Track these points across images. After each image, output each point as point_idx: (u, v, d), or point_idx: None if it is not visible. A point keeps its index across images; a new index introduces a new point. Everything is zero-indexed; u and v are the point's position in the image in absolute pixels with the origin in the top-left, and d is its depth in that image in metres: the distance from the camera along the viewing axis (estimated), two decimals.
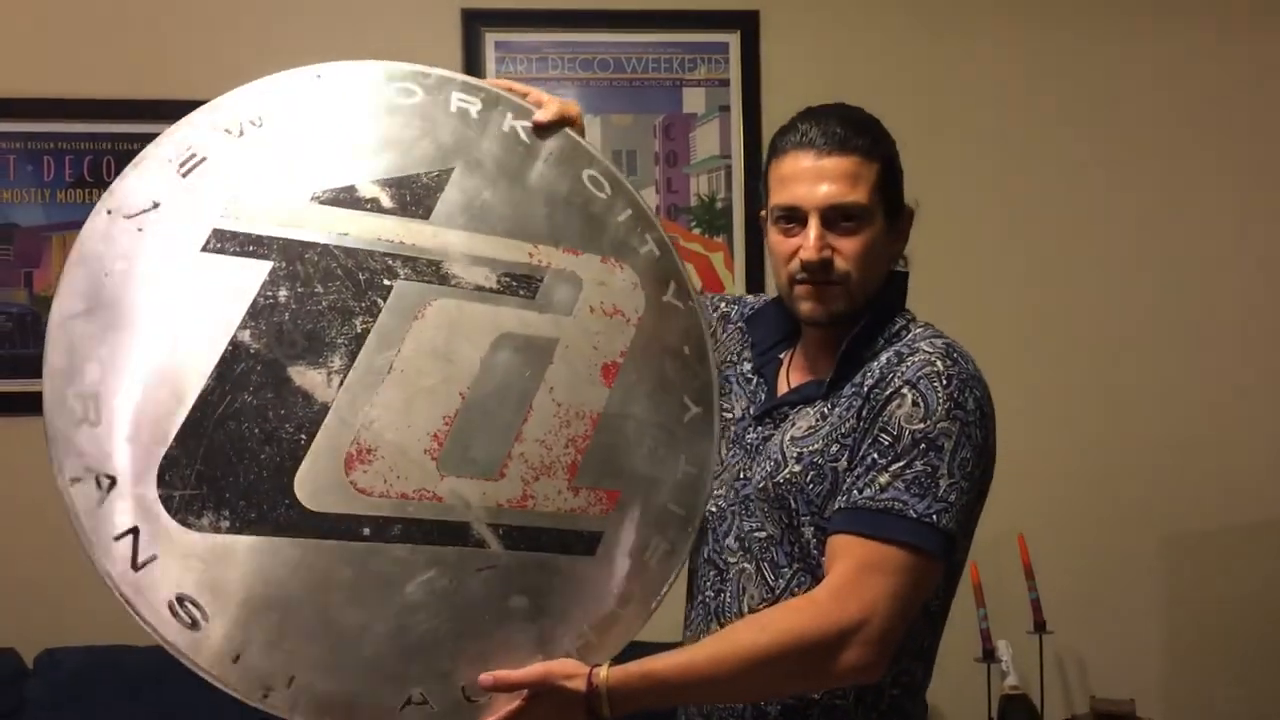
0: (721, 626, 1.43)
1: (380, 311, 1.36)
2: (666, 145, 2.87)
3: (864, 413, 1.41)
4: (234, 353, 1.31)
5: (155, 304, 1.32)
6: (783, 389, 1.54)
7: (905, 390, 1.38)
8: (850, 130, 1.47)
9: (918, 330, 1.50)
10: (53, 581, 2.67)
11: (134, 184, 1.37)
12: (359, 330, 1.35)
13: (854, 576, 1.32)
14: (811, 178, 1.45)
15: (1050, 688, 2.75)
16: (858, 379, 1.44)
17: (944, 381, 1.39)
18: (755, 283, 2.86)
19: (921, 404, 1.37)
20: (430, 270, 1.39)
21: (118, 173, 2.65)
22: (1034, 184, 2.95)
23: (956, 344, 1.46)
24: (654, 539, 1.41)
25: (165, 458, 1.29)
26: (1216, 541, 2.94)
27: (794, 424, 1.47)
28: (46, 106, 2.70)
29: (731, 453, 1.53)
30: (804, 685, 1.38)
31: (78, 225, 2.65)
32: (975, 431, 1.39)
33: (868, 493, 1.35)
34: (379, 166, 1.42)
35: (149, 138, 2.70)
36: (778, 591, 1.43)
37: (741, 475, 1.50)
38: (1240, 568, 2.93)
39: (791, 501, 1.42)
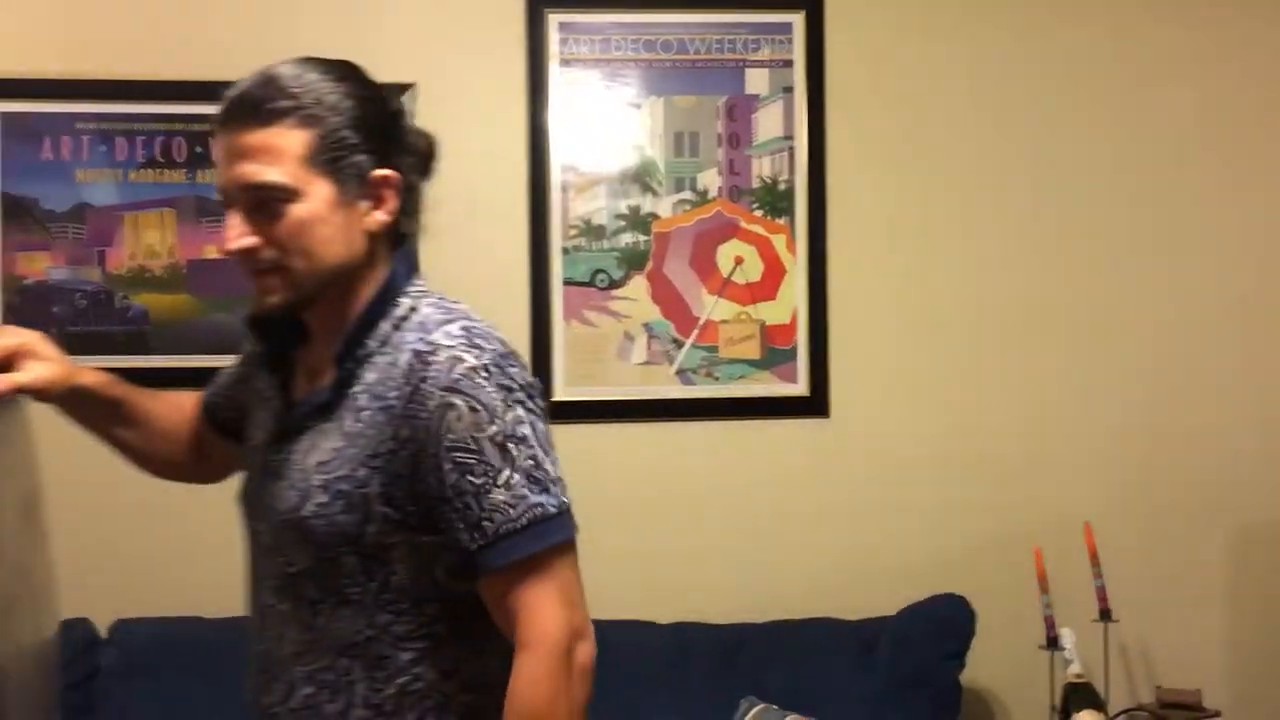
0: (274, 677, 1.33)
1: None
2: (729, 127, 2.82)
3: (403, 434, 1.27)
4: None
5: None
6: (299, 394, 1.40)
7: (453, 399, 1.25)
8: (267, 95, 1.29)
9: (427, 312, 1.34)
10: (125, 554, 2.70)
11: None
12: None
13: (535, 605, 1.26)
14: (226, 157, 1.30)
15: (1115, 677, 2.67)
16: (373, 380, 1.30)
17: (485, 374, 1.27)
18: (818, 265, 2.80)
19: (479, 408, 1.26)
20: None
21: (189, 153, 2.71)
22: (1098, 165, 2.86)
23: (473, 320, 1.33)
24: None
25: None
26: None
27: (315, 445, 1.32)
28: (120, 88, 2.70)
29: (259, 480, 1.39)
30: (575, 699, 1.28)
31: (149, 205, 2.73)
32: (534, 403, 1.31)
33: (498, 518, 1.25)
34: None
35: None
36: (315, 630, 1.30)
37: (270, 505, 1.35)
38: None
39: (322, 535, 1.29)
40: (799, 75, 2.81)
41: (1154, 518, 2.82)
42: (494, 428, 1.26)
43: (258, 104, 1.29)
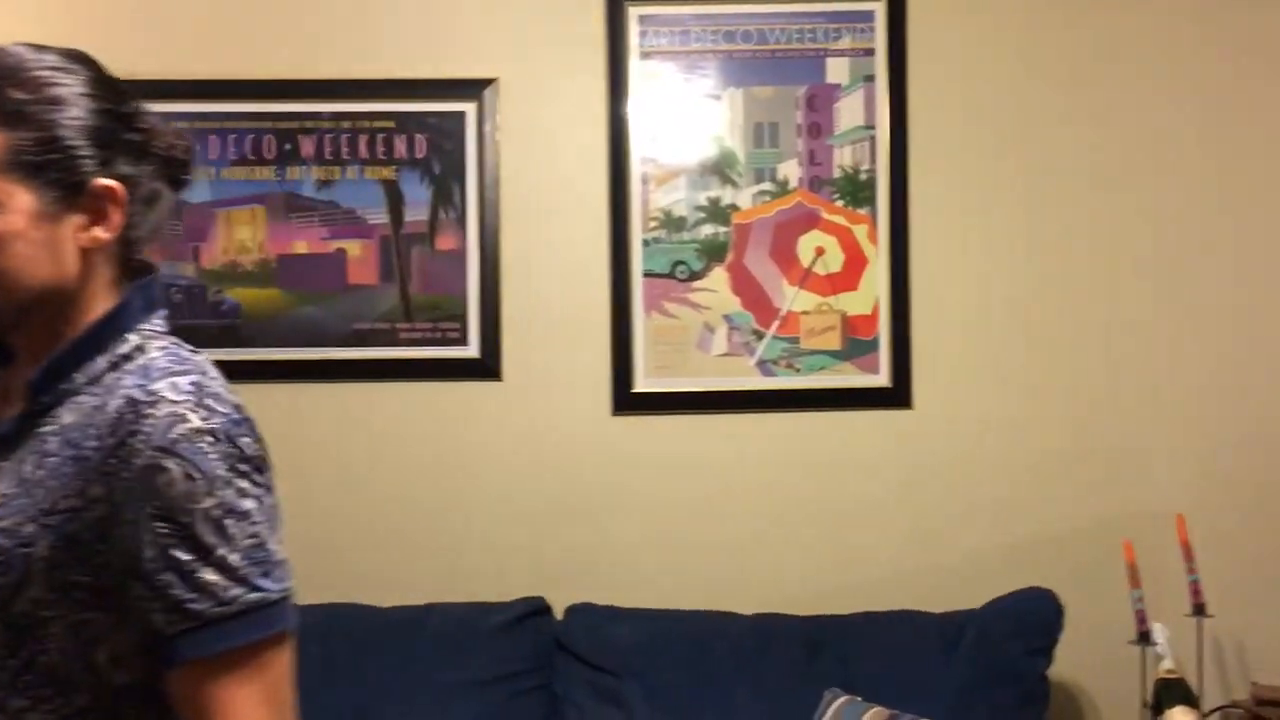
0: None
1: None
2: (809, 117, 2.79)
3: (94, 492, 1.07)
4: None
5: None
6: None
7: (166, 461, 1.06)
8: None
9: (155, 356, 1.14)
10: None
11: None
12: None
13: (237, 707, 1.07)
14: None
15: (1209, 673, 2.60)
16: (70, 423, 1.11)
17: (210, 439, 1.09)
18: (900, 255, 2.76)
19: (198, 475, 1.07)
20: None
21: (278, 150, 2.76)
22: (1188, 150, 2.78)
23: (206, 377, 1.14)
24: None
25: None
26: None
27: None
28: (211, 87, 2.75)
29: None
30: None
31: (241, 201, 2.78)
32: (263, 476, 1.14)
33: (205, 601, 1.06)
34: None
35: (307, 116, 2.78)
36: None
37: None
38: None
39: None
40: (880, 64, 2.77)
41: (1249, 509, 2.73)
42: (211, 500, 1.07)
43: None
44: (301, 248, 2.77)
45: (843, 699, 2.32)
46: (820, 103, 2.78)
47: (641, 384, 2.77)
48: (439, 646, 2.48)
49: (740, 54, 2.78)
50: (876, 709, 2.27)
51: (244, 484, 1.10)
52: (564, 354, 2.78)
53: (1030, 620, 2.48)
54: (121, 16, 2.77)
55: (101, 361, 1.14)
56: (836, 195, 2.78)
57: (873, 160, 2.77)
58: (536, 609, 2.58)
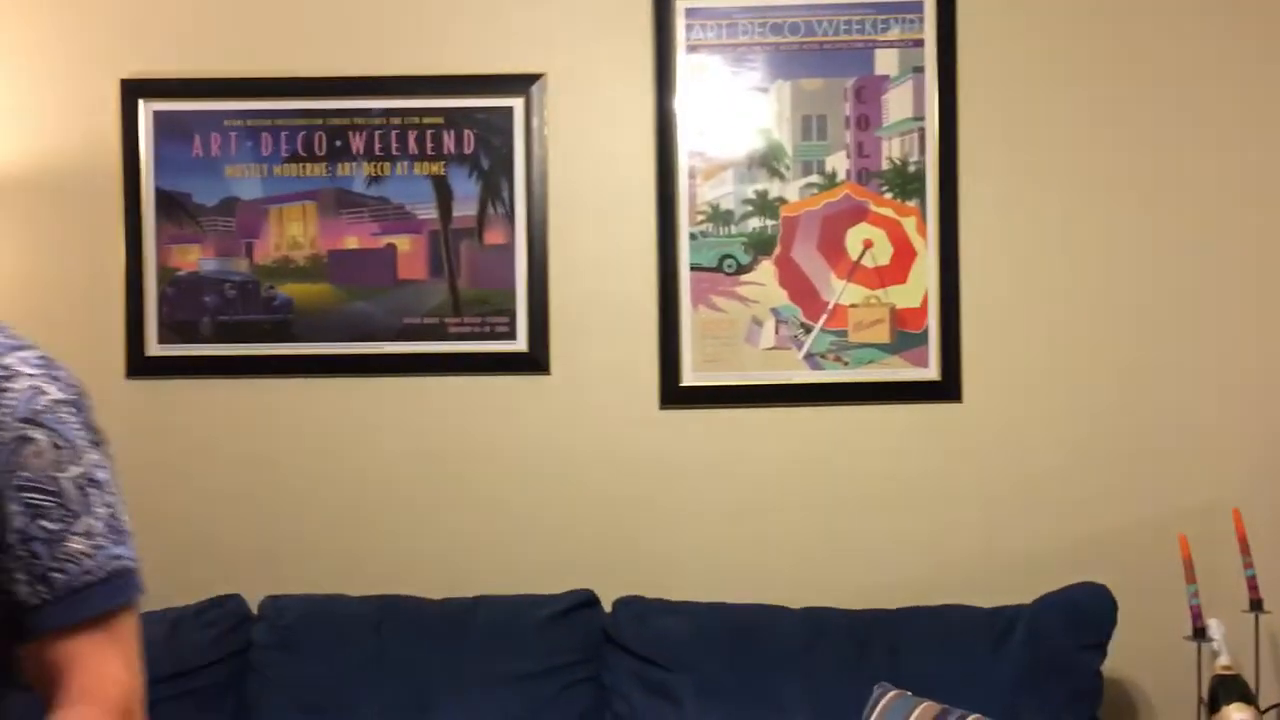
0: None
1: None
2: (858, 109, 2.77)
3: None
4: None
5: None
6: None
7: (32, 432, 1.09)
8: None
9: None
10: (275, 534, 2.79)
11: None
12: None
13: (97, 663, 1.10)
14: None
15: (1266, 669, 2.55)
16: None
17: (71, 409, 1.12)
18: (949, 248, 2.73)
19: (64, 444, 1.10)
20: None
21: (328, 147, 2.78)
22: (1245, 147, 2.72)
23: (48, 354, 1.16)
24: None
25: None
26: None
27: None
28: (264, 85, 2.77)
29: None
30: None
31: (293, 198, 2.81)
32: (108, 449, 1.17)
33: (72, 569, 1.09)
34: None
35: (357, 113, 2.80)
36: None
37: None
38: None
39: None
40: (930, 55, 2.74)
41: None
42: (76, 469, 1.11)
43: None
44: (352, 243, 2.79)
45: (892, 693, 2.30)
46: (869, 94, 2.75)
47: (689, 377, 2.76)
48: (488, 638, 2.49)
49: (788, 46, 2.76)
50: (927, 704, 2.25)
51: (98, 455, 1.14)
52: (612, 348, 2.78)
53: (1083, 615, 2.45)
54: (171, 17, 2.80)
55: None
56: (885, 187, 2.76)
57: (922, 152, 2.74)
58: (585, 601, 2.58)
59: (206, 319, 2.80)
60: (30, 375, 1.12)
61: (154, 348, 2.78)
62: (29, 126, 2.79)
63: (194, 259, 2.79)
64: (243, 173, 2.80)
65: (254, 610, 2.60)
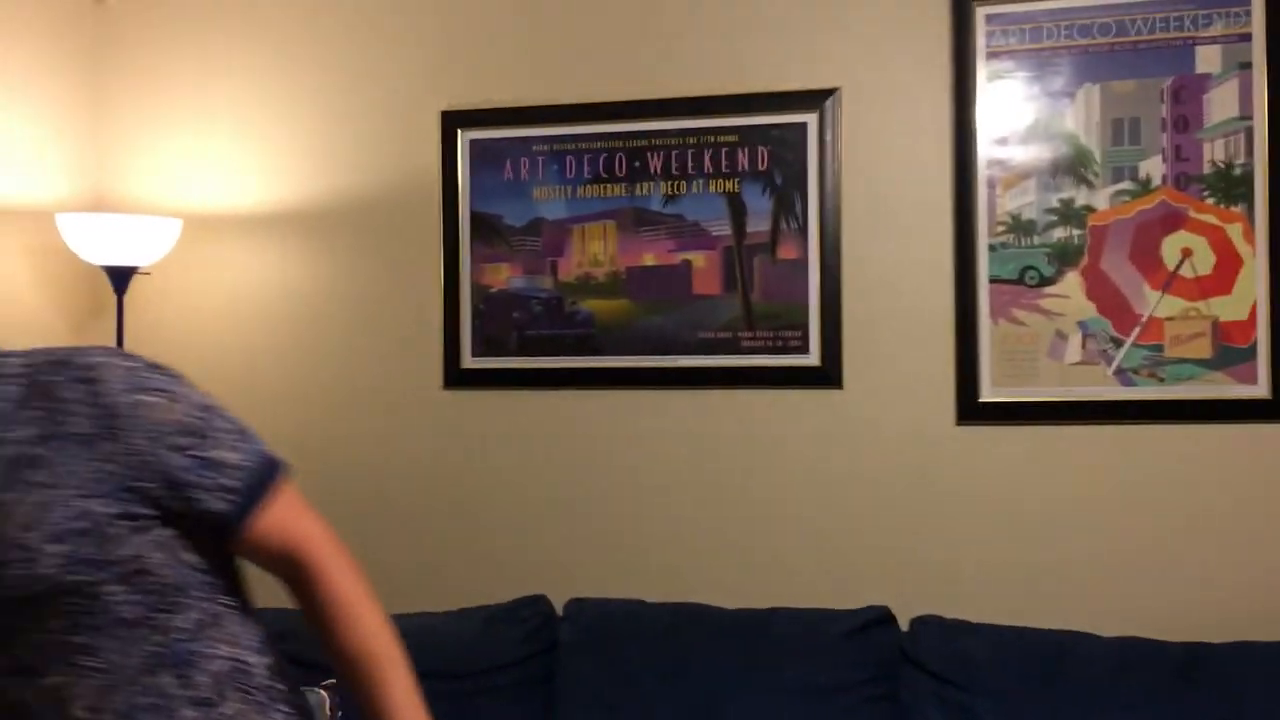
0: None
1: None
2: (1175, 110, 2.57)
3: (107, 448, 1.25)
4: None
5: None
6: None
7: (142, 396, 1.27)
8: None
9: (42, 352, 1.31)
10: (576, 538, 2.88)
11: None
12: None
13: (297, 522, 1.34)
14: None
15: None
16: (34, 434, 1.24)
17: (150, 369, 1.30)
18: None
19: (167, 391, 1.29)
20: None
21: (628, 168, 2.85)
22: None
23: (97, 346, 1.33)
24: None
25: None
26: None
27: (5, 518, 1.23)
28: (568, 112, 2.89)
29: None
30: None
31: (594, 218, 2.89)
32: (183, 378, 1.34)
33: (237, 474, 1.31)
34: None
35: (655, 134, 2.86)
36: (105, 672, 1.27)
37: None
38: None
39: (78, 578, 1.24)
40: (1258, 49, 2.52)
41: None
42: (187, 404, 1.30)
43: None
44: (649, 260, 2.85)
45: None
46: (1188, 94, 2.56)
47: (988, 393, 2.65)
48: (783, 649, 2.47)
49: (1096, 48, 2.60)
50: None
51: (190, 388, 1.33)
52: (907, 362, 2.70)
53: None
54: (484, 52, 2.95)
55: (14, 387, 1.27)
56: (1206, 192, 2.55)
57: (1249, 153, 2.52)
58: (881, 618, 2.52)
59: (515, 334, 2.92)
60: (106, 363, 1.29)
61: (469, 360, 2.93)
62: (361, 159, 3.02)
63: (504, 277, 2.93)
64: (549, 194, 2.91)
65: (558, 611, 2.68)
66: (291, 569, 1.35)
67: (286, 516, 1.34)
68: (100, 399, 1.26)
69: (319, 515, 1.38)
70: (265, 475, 1.33)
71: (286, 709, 1.38)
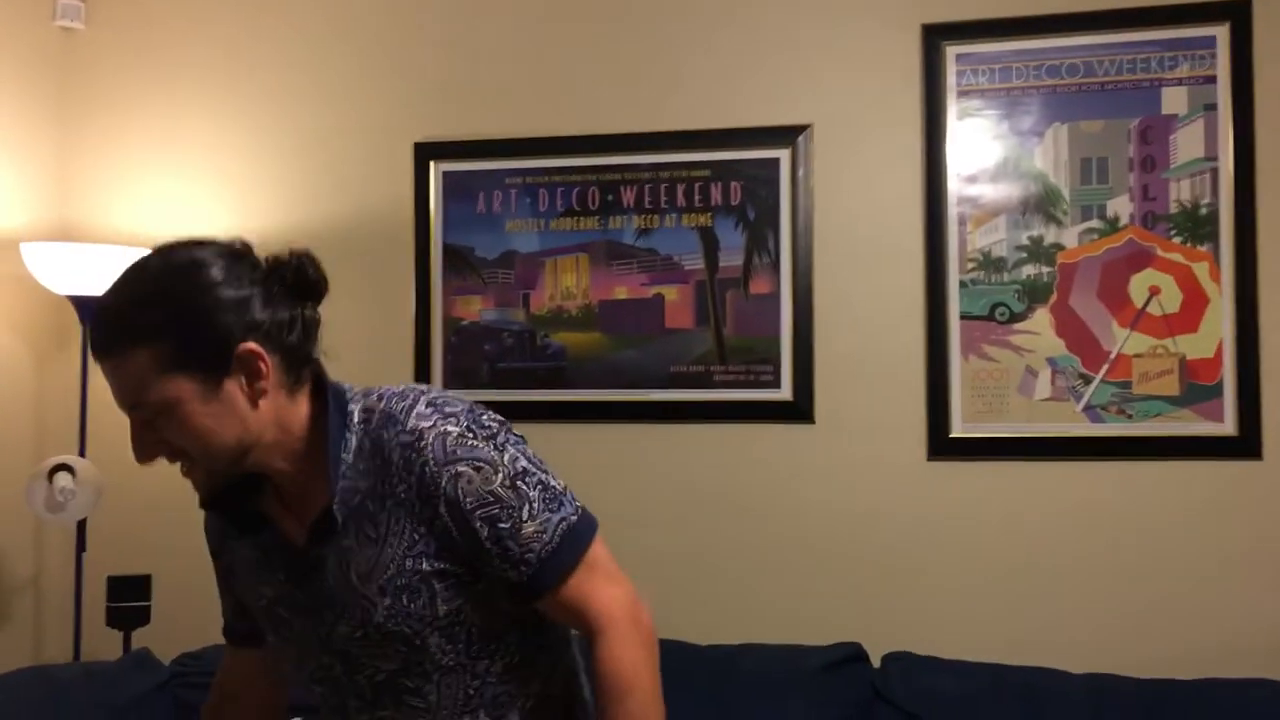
0: None
1: None
2: (1142, 150, 2.59)
3: (427, 514, 1.34)
4: None
5: None
6: (292, 534, 1.41)
7: (458, 468, 1.33)
8: (105, 334, 1.29)
9: (384, 407, 1.37)
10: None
11: None
12: None
13: (592, 595, 1.36)
14: (108, 378, 1.30)
15: None
16: (368, 487, 1.35)
17: (470, 434, 1.35)
18: (1246, 295, 2.51)
19: (482, 464, 1.34)
20: None
21: (601, 201, 2.83)
22: None
23: (427, 394, 1.39)
24: None
25: None
26: None
27: (346, 564, 1.37)
28: (542, 144, 2.87)
29: (301, 624, 1.42)
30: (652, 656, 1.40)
31: (567, 250, 2.87)
32: (514, 435, 1.39)
33: (535, 547, 1.35)
34: None
35: (628, 168, 2.85)
36: (430, 710, 1.39)
37: (328, 636, 1.40)
38: None
39: (405, 629, 1.36)
40: (1223, 91, 2.54)
41: None
42: (500, 475, 1.34)
43: (104, 342, 1.29)
44: (622, 293, 2.83)
45: None
46: (1155, 134, 2.58)
47: (959, 428, 2.64)
48: (754, 687, 2.43)
49: (1065, 88, 2.62)
50: None
51: (511, 451, 1.37)
52: (878, 398, 2.69)
53: None
54: (458, 85, 2.93)
55: (353, 438, 1.37)
56: (1173, 231, 2.56)
57: (1214, 193, 2.54)
58: (853, 655, 2.49)
59: (486, 366, 2.89)
60: (430, 427, 1.34)
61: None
62: (333, 190, 2.99)
63: (476, 309, 2.90)
64: (521, 227, 2.89)
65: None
66: (584, 633, 1.39)
67: (583, 586, 1.37)
68: (422, 469, 1.33)
69: (620, 579, 1.40)
70: (567, 547, 1.36)
71: None
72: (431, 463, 1.33)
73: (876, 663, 2.50)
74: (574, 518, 1.38)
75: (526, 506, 1.35)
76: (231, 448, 1.32)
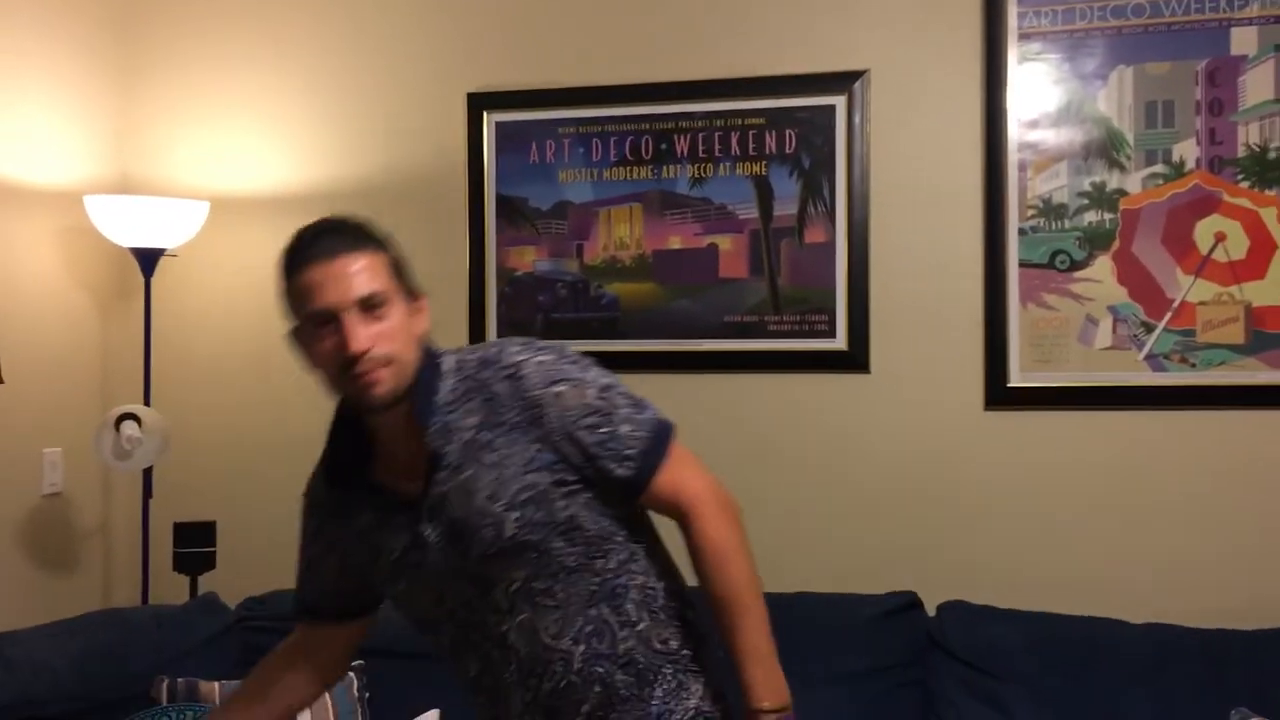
0: (543, 670, 1.54)
1: None
2: (1210, 92, 2.51)
3: (538, 433, 1.52)
4: None
5: None
6: (408, 490, 1.57)
7: (556, 388, 1.53)
8: (355, 230, 1.54)
9: (471, 352, 1.59)
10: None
11: None
12: None
13: (685, 482, 1.56)
14: (335, 280, 1.50)
15: None
16: (477, 421, 1.53)
17: (561, 360, 1.56)
18: None
19: (575, 380, 1.54)
20: None
21: (654, 150, 2.80)
22: None
23: (512, 340, 1.59)
24: None
25: None
26: None
27: (469, 492, 1.53)
28: (594, 94, 2.84)
29: (432, 561, 1.57)
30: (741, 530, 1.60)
31: (619, 200, 2.85)
32: (591, 360, 1.59)
33: (634, 444, 1.54)
34: None
35: (682, 116, 2.81)
36: (560, 608, 1.54)
37: (461, 563, 1.55)
38: None
39: (532, 537, 1.52)
40: None
41: None
42: (592, 389, 1.55)
43: (348, 242, 1.52)
44: (676, 243, 2.80)
45: None
46: (1223, 76, 2.50)
47: (1016, 378, 2.60)
48: (809, 636, 2.42)
49: (1130, 29, 2.54)
50: None
51: (595, 371, 1.58)
52: (934, 347, 2.65)
53: None
54: (510, 34, 2.91)
55: (449, 383, 1.56)
56: (1241, 176, 2.49)
57: None
58: (908, 603, 2.48)
59: (540, 317, 2.88)
60: (527, 359, 1.55)
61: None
62: (387, 142, 2.98)
63: (529, 260, 2.89)
64: (575, 177, 2.86)
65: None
66: (679, 516, 1.57)
67: (675, 475, 1.56)
68: (526, 393, 1.53)
69: (704, 470, 1.59)
70: (657, 442, 1.56)
71: (678, 623, 1.60)
72: (535, 386, 1.53)
73: (931, 611, 2.49)
74: (658, 416, 1.58)
75: (619, 411, 1.55)
76: (413, 354, 1.54)
